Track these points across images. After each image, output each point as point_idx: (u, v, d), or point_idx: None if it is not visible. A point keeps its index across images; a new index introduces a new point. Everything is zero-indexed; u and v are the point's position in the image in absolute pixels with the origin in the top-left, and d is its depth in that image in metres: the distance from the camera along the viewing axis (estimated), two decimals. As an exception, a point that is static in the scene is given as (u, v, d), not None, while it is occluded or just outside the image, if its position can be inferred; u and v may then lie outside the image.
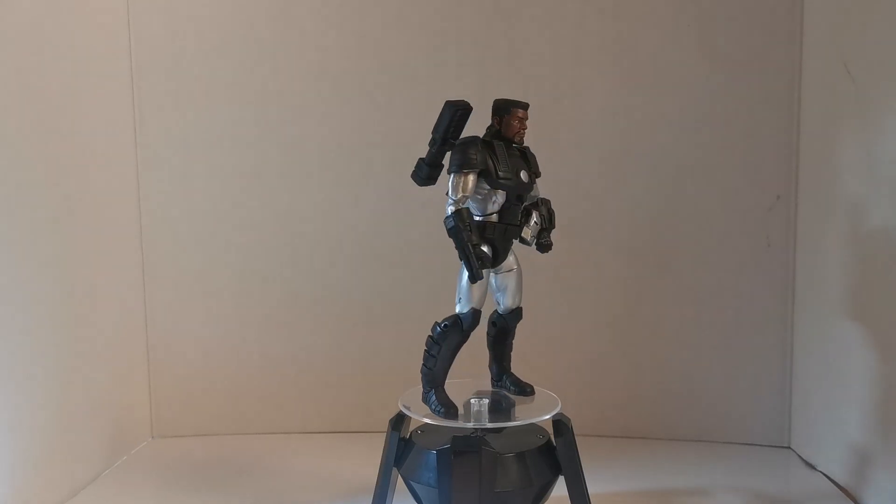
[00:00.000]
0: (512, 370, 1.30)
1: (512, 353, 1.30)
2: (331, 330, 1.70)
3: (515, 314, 1.25)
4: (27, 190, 1.32)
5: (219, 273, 1.70)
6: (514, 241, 1.22)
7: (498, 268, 1.23)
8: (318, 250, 1.69)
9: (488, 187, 1.17)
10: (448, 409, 1.19)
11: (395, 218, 1.65)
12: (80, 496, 1.43)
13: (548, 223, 1.25)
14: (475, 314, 1.19)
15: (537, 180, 1.24)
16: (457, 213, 1.14)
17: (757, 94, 1.57)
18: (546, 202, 1.26)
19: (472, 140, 1.18)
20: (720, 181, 1.60)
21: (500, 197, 1.18)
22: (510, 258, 1.23)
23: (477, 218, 1.19)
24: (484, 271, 1.17)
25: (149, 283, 1.70)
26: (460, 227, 1.13)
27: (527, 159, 1.22)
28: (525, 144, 1.23)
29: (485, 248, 1.16)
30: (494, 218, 1.19)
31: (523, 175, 1.19)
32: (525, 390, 1.27)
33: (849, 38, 1.40)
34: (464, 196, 1.15)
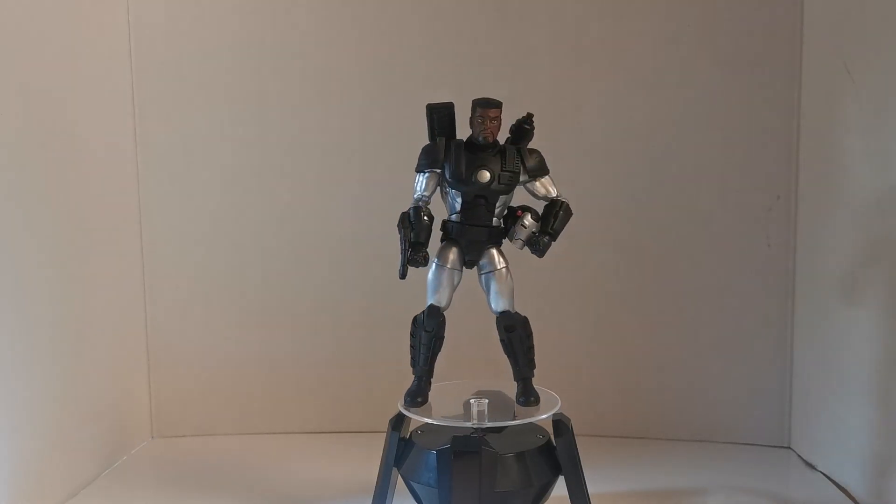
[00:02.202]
0: (526, 378, 1.25)
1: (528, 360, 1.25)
2: (331, 330, 1.70)
3: (505, 318, 1.23)
4: (27, 190, 1.32)
5: (219, 273, 1.70)
6: (488, 240, 1.21)
7: (479, 267, 1.23)
8: (318, 250, 1.69)
9: (448, 187, 1.21)
10: (413, 398, 1.23)
11: (396, 218, 1.65)
12: (80, 496, 1.43)
13: (551, 227, 1.21)
14: (431, 310, 1.22)
15: (548, 180, 1.22)
16: (409, 210, 1.20)
17: (757, 94, 1.57)
18: (558, 206, 1.22)
19: (435, 142, 1.21)
20: (720, 181, 1.60)
21: (459, 197, 1.20)
22: (494, 259, 1.22)
23: (446, 218, 1.23)
24: (475, 270, 1.22)
25: (149, 284, 1.69)
26: (401, 226, 1.19)
27: (504, 159, 1.19)
28: (518, 144, 1.22)
29: (453, 251, 1.21)
30: (456, 217, 1.21)
31: (481, 175, 1.18)
32: (528, 399, 1.23)
33: (849, 38, 1.40)
34: (422, 195, 1.21)
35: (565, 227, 1.23)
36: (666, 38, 1.59)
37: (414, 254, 1.18)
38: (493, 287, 1.22)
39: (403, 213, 1.20)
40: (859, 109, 1.37)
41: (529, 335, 1.24)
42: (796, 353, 1.59)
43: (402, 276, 1.19)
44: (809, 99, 1.53)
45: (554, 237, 1.22)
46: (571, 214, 1.23)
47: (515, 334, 1.23)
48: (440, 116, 1.22)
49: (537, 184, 1.23)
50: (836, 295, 1.43)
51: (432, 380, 1.26)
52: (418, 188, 1.21)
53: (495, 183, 1.19)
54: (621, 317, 1.66)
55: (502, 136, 1.23)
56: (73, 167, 1.45)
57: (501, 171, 1.19)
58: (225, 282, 1.70)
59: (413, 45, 1.63)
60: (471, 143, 1.20)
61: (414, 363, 1.25)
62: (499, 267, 1.22)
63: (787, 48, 1.55)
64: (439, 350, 1.25)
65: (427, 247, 1.20)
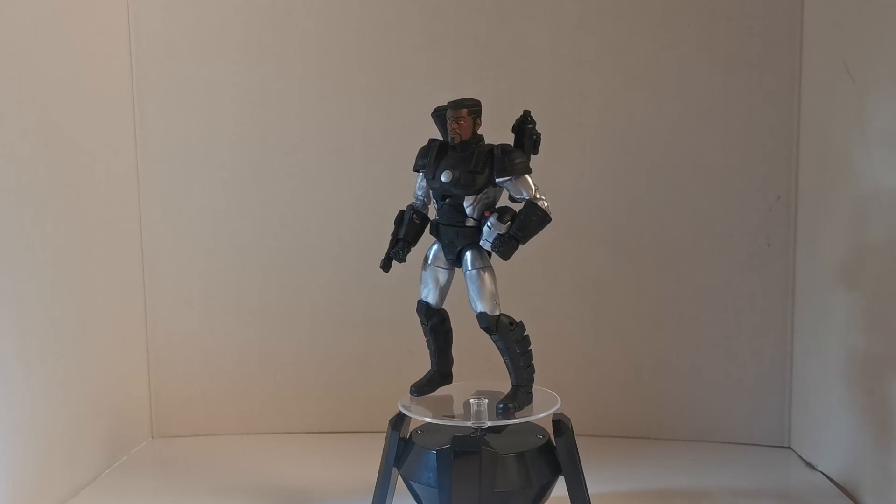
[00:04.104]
0: (517, 385, 1.22)
1: (512, 367, 1.23)
2: (331, 330, 1.70)
3: (480, 319, 1.21)
4: (27, 190, 1.32)
5: (219, 273, 1.70)
6: (460, 241, 1.21)
7: (461, 267, 1.23)
8: (318, 250, 1.69)
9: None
10: (418, 388, 1.27)
11: (395, 218, 1.65)
12: (80, 496, 1.43)
13: (516, 230, 1.17)
14: (419, 305, 1.26)
15: (524, 181, 1.18)
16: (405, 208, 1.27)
17: (757, 94, 1.57)
18: (527, 207, 1.18)
19: (427, 143, 1.24)
20: (720, 181, 1.60)
21: (435, 196, 1.23)
22: (470, 259, 1.20)
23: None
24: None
25: (149, 283, 1.69)
26: (394, 222, 1.27)
27: (470, 159, 1.19)
28: (494, 143, 1.21)
29: (436, 249, 1.24)
30: (436, 217, 1.24)
31: (444, 175, 1.19)
32: (505, 406, 1.19)
33: (849, 38, 1.40)
34: (415, 194, 1.26)
35: (540, 230, 1.18)
36: (666, 38, 1.59)
37: (395, 248, 1.25)
38: (469, 288, 1.21)
39: (400, 211, 1.27)
40: (859, 109, 1.37)
41: (518, 341, 1.21)
42: (796, 353, 1.59)
43: (382, 267, 1.26)
44: (809, 99, 1.53)
45: (519, 240, 1.17)
46: (545, 216, 1.18)
47: (497, 338, 1.21)
48: (442, 120, 1.22)
49: (512, 184, 1.19)
50: (836, 295, 1.43)
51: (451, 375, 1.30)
52: (415, 187, 1.26)
53: (458, 183, 1.19)
54: (621, 316, 1.66)
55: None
56: (73, 167, 1.45)
57: (465, 171, 1.19)
58: (225, 282, 1.70)
59: (413, 45, 1.63)
60: (450, 145, 1.21)
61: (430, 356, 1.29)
62: (473, 268, 1.20)
63: (787, 48, 1.55)
64: (445, 344, 1.27)
65: (414, 245, 1.26)
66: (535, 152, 1.22)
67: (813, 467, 1.52)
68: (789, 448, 1.61)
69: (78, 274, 1.46)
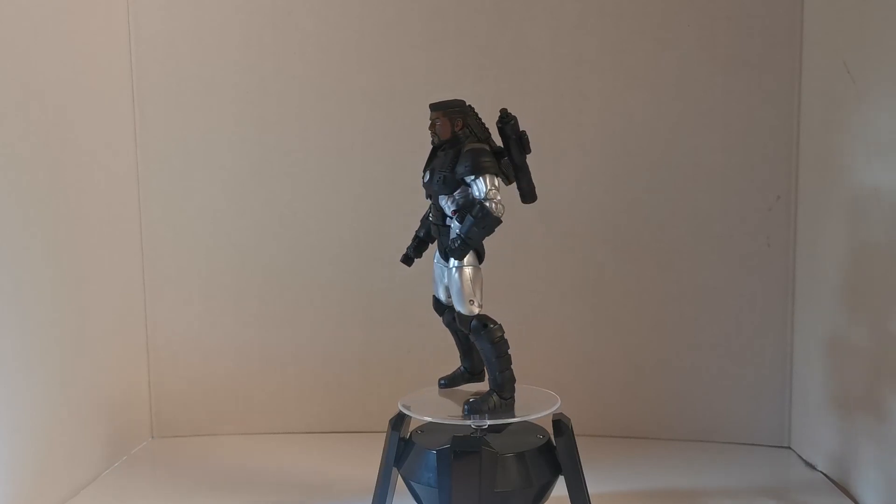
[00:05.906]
0: (491, 389, 1.20)
1: (488, 370, 1.22)
2: (331, 330, 1.70)
3: (457, 318, 1.21)
4: (27, 190, 1.32)
5: (219, 273, 1.70)
6: (444, 239, 1.21)
7: None
8: (318, 250, 1.69)
9: None
10: (446, 380, 1.29)
11: (396, 218, 1.65)
12: (80, 496, 1.43)
13: (462, 232, 1.16)
14: (433, 299, 1.27)
15: (481, 181, 1.15)
16: None
17: (757, 94, 1.57)
18: (475, 208, 1.15)
19: None
20: (720, 181, 1.60)
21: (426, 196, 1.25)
22: (450, 258, 1.21)
23: None
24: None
25: (149, 283, 1.70)
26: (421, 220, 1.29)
27: (444, 158, 1.19)
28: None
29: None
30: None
31: (425, 176, 1.22)
32: (471, 407, 1.18)
33: (849, 38, 1.40)
34: None
35: (488, 232, 1.16)
36: (666, 38, 1.59)
37: (410, 245, 1.28)
38: (449, 286, 1.21)
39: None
40: (859, 109, 1.37)
41: (494, 344, 1.18)
42: (796, 353, 1.59)
43: (403, 262, 1.28)
44: (809, 99, 1.53)
45: (465, 241, 1.16)
46: (492, 219, 1.15)
47: (473, 338, 1.20)
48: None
49: (473, 184, 1.17)
50: (836, 295, 1.43)
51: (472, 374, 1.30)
52: None
53: (432, 182, 1.20)
54: (621, 316, 1.66)
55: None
56: (74, 167, 1.45)
57: (437, 171, 1.20)
58: (225, 282, 1.70)
59: (413, 45, 1.63)
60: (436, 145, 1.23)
61: None
62: (450, 266, 1.20)
63: (787, 48, 1.55)
64: (467, 340, 1.25)
65: (431, 241, 1.27)
66: (528, 150, 1.21)
67: (813, 467, 1.52)
68: (789, 448, 1.61)
69: (78, 274, 1.46)
